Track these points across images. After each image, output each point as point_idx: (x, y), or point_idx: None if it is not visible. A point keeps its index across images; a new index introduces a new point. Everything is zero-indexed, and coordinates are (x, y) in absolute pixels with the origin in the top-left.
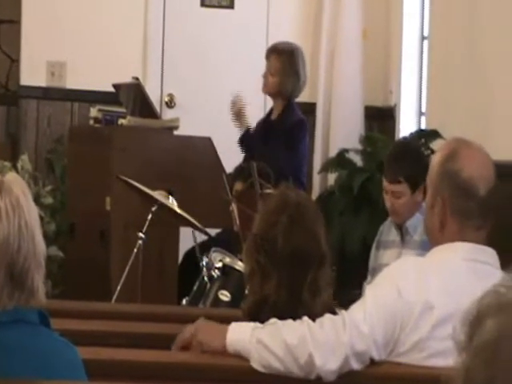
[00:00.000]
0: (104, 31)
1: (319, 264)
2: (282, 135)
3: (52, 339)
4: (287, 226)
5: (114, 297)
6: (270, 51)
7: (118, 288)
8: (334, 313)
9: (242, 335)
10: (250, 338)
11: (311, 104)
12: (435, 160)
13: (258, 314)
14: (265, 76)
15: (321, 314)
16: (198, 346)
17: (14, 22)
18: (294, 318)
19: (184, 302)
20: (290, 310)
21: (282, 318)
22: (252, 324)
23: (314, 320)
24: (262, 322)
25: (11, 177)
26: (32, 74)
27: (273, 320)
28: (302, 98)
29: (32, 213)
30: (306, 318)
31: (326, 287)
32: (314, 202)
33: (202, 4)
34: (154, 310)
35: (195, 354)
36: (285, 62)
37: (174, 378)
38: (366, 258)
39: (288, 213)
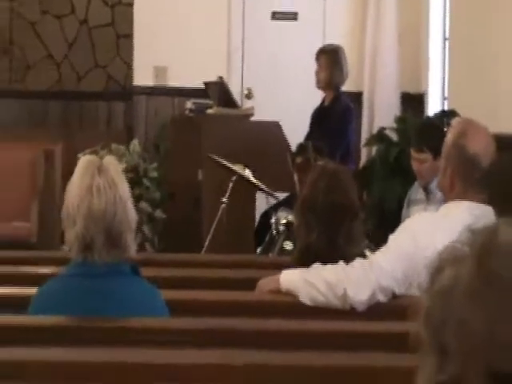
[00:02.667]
0: (196, 41)
1: (352, 218)
2: (333, 119)
3: (141, 285)
4: (325, 189)
5: (204, 249)
6: (319, 52)
7: (207, 242)
8: (365, 257)
9: (292, 277)
10: (299, 279)
11: (358, 93)
12: (448, 136)
13: (304, 260)
14: (317, 73)
15: (353, 259)
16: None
17: (129, 36)
18: (332, 262)
19: (258, 250)
20: (329, 255)
21: (322, 262)
22: (299, 270)
23: (348, 263)
24: (307, 266)
25: (108, 159)
26: (142, 76)
27: (316, 265)
28: (351, 87)
29: (124, 188)
30: (341, 262)
31: (359, 237)
32: (348, 171)
33: (273, 18)
34: (235, 258)
35: (257, 294)
36: (331, 59)
37: (242, 313)
38: (400, 214)
39: (325, 179)
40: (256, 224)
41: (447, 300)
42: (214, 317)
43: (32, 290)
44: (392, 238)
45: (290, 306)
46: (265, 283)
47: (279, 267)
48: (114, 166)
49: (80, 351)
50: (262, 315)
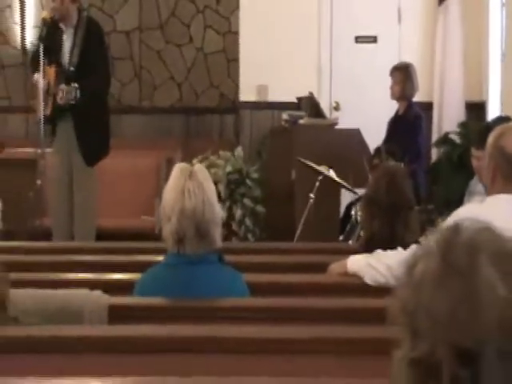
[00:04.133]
0: (291, 62)
1: (408, 210)
2: (405, 126)
3: (226, 271)
4: (385, 187)
5: (296, 237)
6: (393, 69)
7: (298, 231)
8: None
9: (357, 262)
10: (363, 263)
11: (429, 103)
12: (490, 137)
13: (368, 247)
14: (391, 87)
15: (410, 245)
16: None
17: (236, 60)
18: (392, 249)
19: (340, 238)
20: (389, 243)
21: (383, 248)
22: (363, 255)
23: (405, 249)
24: (371, 251)
25: (198, 167)
26: (247, 93)
27: (378, 251)
28: (423, 98)
29: (211, 190)
30: (399, 248)
31: (415, 227)
32: (405, 172)
33: (356, 41)
34: (319, 246)
35: (327, 276)
36: (404, 74)
37: (314, 292)
38: (462, 203)
39: (386, 178)
40: (341, 216)
41: (417, 290)
42: (290, 296)
43: None
44: (443, 225)
45: (356, 287)
46: (334, 267)
47: (350, 253)
48: (202, 172)
49: (174, 328)
50: (331, 294)
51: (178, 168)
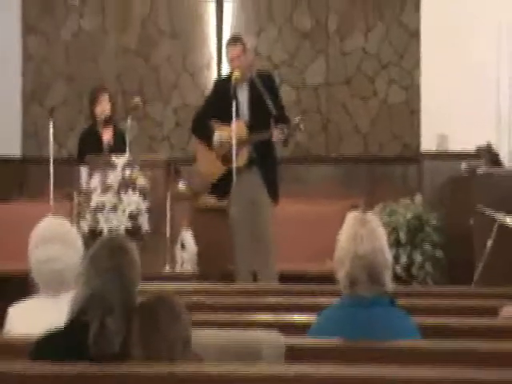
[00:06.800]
0: (470, 112)
1: None
2: None
3: (396, 314)
4: None
5: (473, 282)
6: None
7: (475, 277)
8: None
9: None
10: None
11: None
12: None
13: None
14: None
15: None
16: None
17: (417, 111)
18: None
19: None
20: None
21: None
22: None
23: None
24: None
25: (369, 215)
26: (428, 143)
27: None
28: None
29: (383, 238)
30: None
31: None
32: None
33: None
34: (492, 290)
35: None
36: None
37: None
38: None
39: None
40: None
41: None
42: (461, 339)
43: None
44: None
45: None
46: (507, 311)
47: None
48: (374, 220)
49: (348, 368)
50: (503, 338)
51: (352, 216)
